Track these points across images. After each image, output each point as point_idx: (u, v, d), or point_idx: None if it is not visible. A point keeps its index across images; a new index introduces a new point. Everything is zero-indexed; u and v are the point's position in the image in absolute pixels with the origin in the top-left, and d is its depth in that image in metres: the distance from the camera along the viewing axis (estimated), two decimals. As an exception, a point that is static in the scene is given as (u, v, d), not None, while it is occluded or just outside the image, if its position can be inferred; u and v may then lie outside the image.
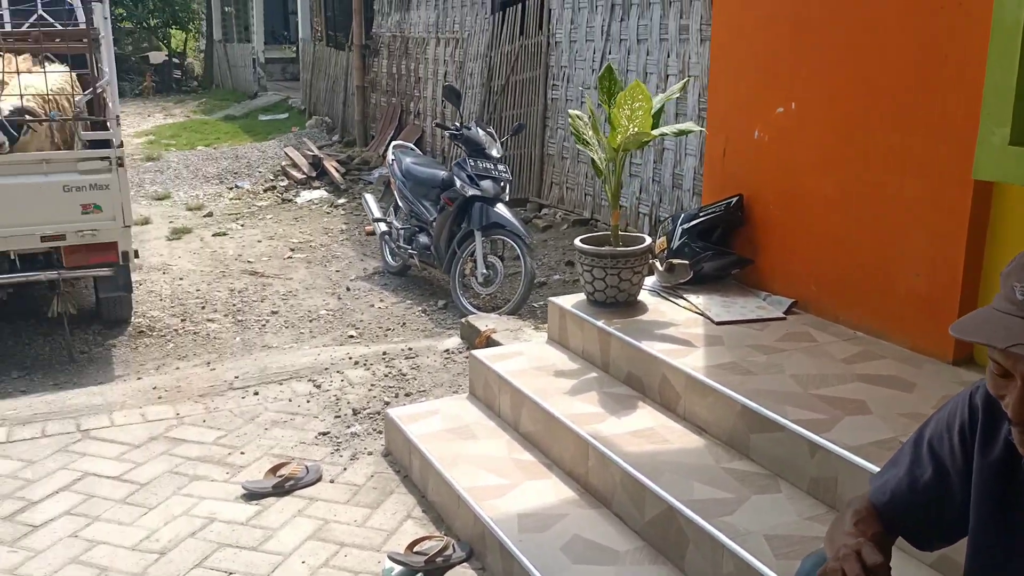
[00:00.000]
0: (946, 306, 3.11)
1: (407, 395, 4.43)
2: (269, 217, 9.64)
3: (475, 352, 4.06)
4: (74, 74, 5.83)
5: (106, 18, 5.38)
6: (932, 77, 3.11)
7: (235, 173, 11.80)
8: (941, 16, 3.07)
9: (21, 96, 5.17)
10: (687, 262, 3.97)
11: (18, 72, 5.46)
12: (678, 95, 4.06)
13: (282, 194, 10.60)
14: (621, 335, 3.56)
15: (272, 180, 11.25)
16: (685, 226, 4.05)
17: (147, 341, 5.88)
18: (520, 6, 8.81)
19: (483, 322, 5.14)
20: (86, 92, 5.60)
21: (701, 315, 3.73)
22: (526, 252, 6.06)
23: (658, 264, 4.09)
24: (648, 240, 3.96)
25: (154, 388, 4.56)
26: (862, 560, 1.40)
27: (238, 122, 16.57)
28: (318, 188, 10.72)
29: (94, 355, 5.64)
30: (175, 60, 24.22)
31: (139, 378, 5.09)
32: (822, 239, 3.65)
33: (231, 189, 10.97)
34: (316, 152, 11.80)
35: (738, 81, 4.04)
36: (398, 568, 2.93)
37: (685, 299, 3.90)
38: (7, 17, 6.02)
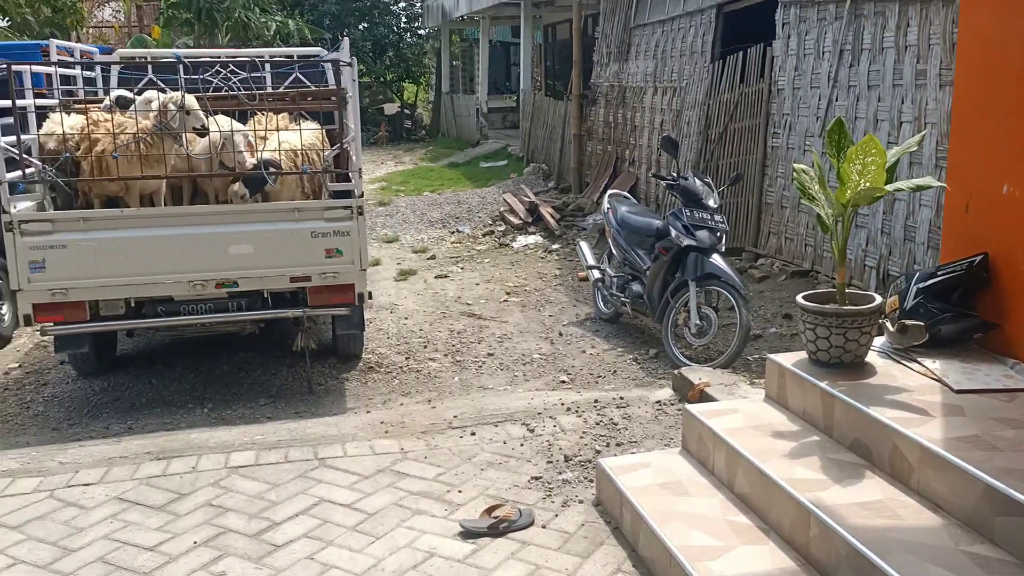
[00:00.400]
0: None
1: (618, 445, 4.44)
2: (487, 261, 10.04)
3: (688, 406, 4.01)
4: (324, 130, 6.41)
5: (354, 80, 5.89)
6: None
7: (457, 218, 12.41)
8: None
9: (263, 149, 5.73)
10: (922, 323, 3.73)
11: (277, 129, 6.09)
12: (915, 147, 3.85)
13: (500, 239, 11.02)
14: (847, 398, 3.40)
15: (491, 225, 11.72)
16: (921, 285, 3.81)
17: (375, 376, 6.28)
18: (741, 54, 8.72)
19: (696, 375, 5.07)
20: (334, 147, 6.15)
21: (938, 382, 3.49)
22: (741, 304, 5.93)
23: (888, 324, 3.87)
24: (878, 299, 3.76)
25: (381, 422, 4.87)
26: None
27: (461, 169, 17.45)
28: (534, 233, 11.05)
29: (329, 387, 6.11)
30: (406, 111, 25.98)
31: (368, 411, 5.46)
32: (1083, 304, 3.32)
33: (453, 233, 11.54)
34: (532, 198, 12.18)
35: (985, 129, 3.78)
36: (608, 621, 2.94)
37: (919, 363, 3.66)
38: (269, 79, 6.72)
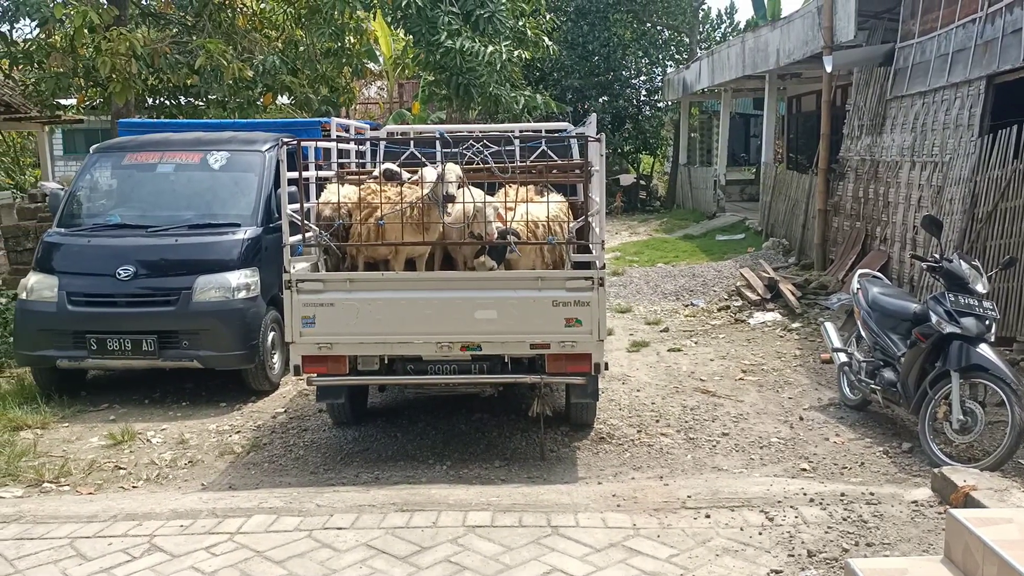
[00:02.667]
0: None
1: (868, 545, 4.13)
2: (722, 336, 9.80)
3: (953, 511, 3.66)
4: (568, 202, 6.62)
5: (601, 155, 6.05)
6: None
7: (691, 291, 12.26)
8: None
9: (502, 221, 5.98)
10: None
11: (526, 201, 6.36)
12: None
13: (735, 314, 10.73)
14: None
15: (726, 300, 11.46)
16: None
17: (606, 447, 6.28)
18: (1015, 128, 8.04)
19: (960, 476, 4.63)
20: (578, 220, 6.32)
21: None
22: (1014, 400, 5.37)
23: None
24: None
25: (613, 495, 4.85)
26: None
27: (696, 241, 17.27)
28: (772, 310, 10.67)
29: (561, 455, 6.18)
30: (642, 182, 26.24)
31: (599, 483, 5.46)
32: None
33: (687, 306, 11.40)
34: (771, 274, 11.79)
35: None
36: None
37: None
38: (518, 153, 7.05)
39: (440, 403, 7.18)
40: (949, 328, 5.71)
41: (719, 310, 11.02)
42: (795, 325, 9.97)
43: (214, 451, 6.39)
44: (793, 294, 10.86)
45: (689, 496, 4.79)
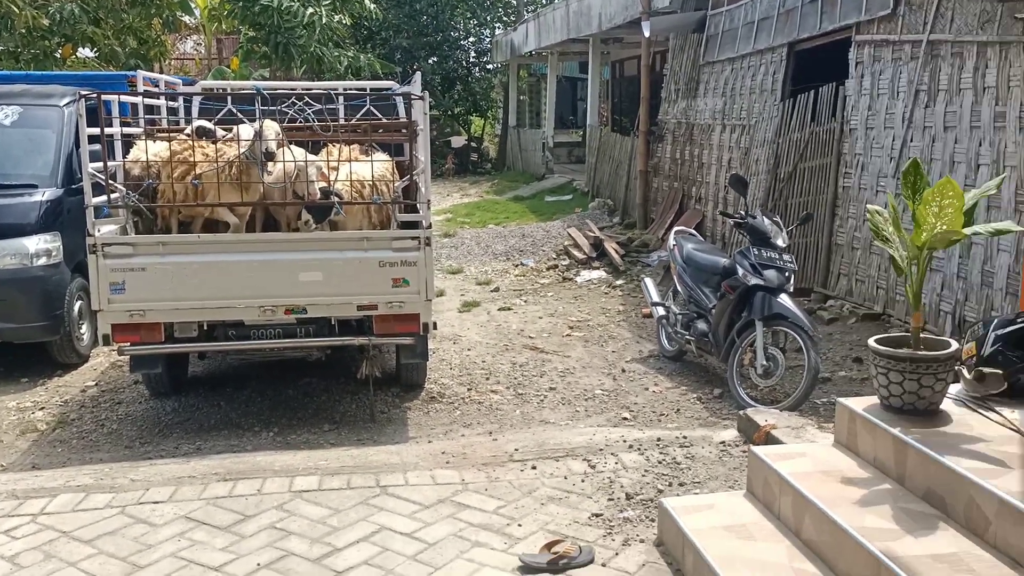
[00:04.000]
0: None
1: (681, 484, 4.38)
2: (550, 295, 10.05)
3: (755, 449, 3.95)
4: (394, 162, 6.54)
5: (425, 113, 6.00)
6: None
7: (521, 251, 12.48)
8: None
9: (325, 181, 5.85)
10: (1001, 372, 3.62)
11: (349, 160, 6.23)
12: (994, 191, 3.77)
13: (563, 273, 11.03)
14: (921, 447, 3.30)
15: (555, 259, 11.75)
16: (999, 332, 3.70)
17: (437, 407, 6.32)
18: (812, 93, 8.64)
19: (762, 416, 4.98)
20: (403, 179, 6.26)
21: (1017, 432, 3.37)
22: (810, 345, 5.82)
23: (965, 372, 3.77)
24: (954, 345, 3.66)
25: (443, 453, 4.89)
26: None
27: (526, 202, 17.56)
28: (598, 268, 11.04)
29: (392, 416, 6.16)
30: (473, 144, 26.32)
31: (429, 441, 5.49)
32: None
33: (517, 266, 11.59)
34: (597, 233, 12.19)
35: (1068, 176, 3.68)
36: (668, 665, 2.89)
37: (997, 412, 3.55)
38: (342, 112, 6.88)
39: (266, 369, 6.98)
40: (753, 280, 6.10)
41: (548, 269, 11.29)
42: (619, 282, 10.37)
43: (14, 430, 5.94)
44: (617, 252, 11.27)
45: (516, 449, 4.91)
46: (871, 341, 3.77)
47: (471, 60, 27.93)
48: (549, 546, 3.69)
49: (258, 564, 3.64)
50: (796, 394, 5.80)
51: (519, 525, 3.97)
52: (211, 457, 5.07)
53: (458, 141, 25.48)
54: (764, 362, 6.00)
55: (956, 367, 3.74)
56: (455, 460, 4.75)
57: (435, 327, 5.97)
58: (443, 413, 6.20)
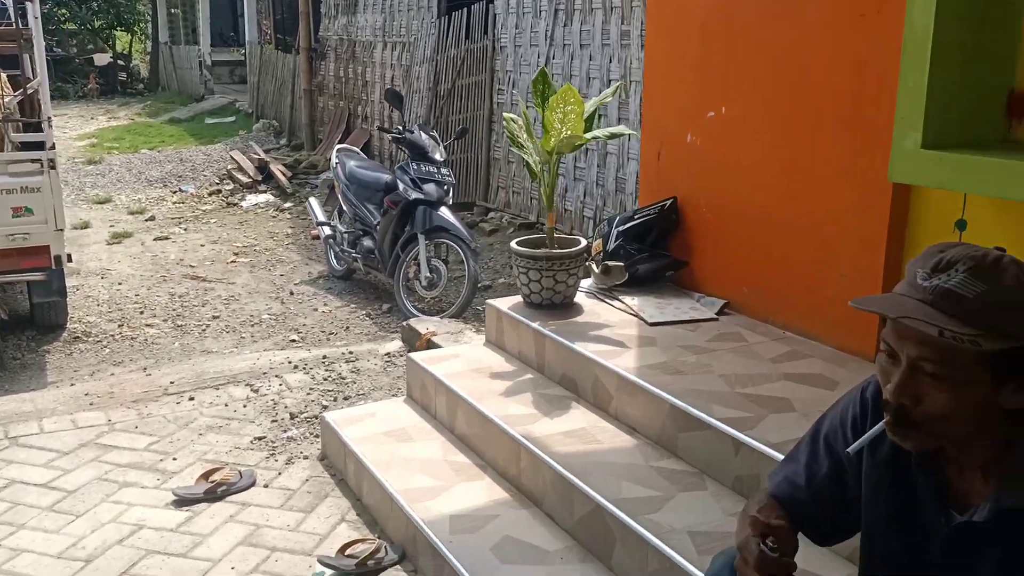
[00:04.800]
0: (868, 306, 3.18)
1: (346, 399, 4.41)
2: (213, 221, 9.51)
3: (412, 355, 4.05)
4: (4, 75, 5.70)
5: (36, 18, 5.26)
6: (855, 83, 3.19)
7: (179, 177, 11.64)
8: (863, 24, 3.16)
9: None
10: (622, 264, 4.01)
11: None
12: (610, 99, 4.11)
13: (227, 198, 10.47)
14: (556, 337, 3.59)
15: (217, 184, 11.11)
16: (620, 228, 4.09)
17: (82, 347, 5.76)
18: (466, 11, 8.83)
19: (424, 325, 5.13)
20: (17, 93, 5.48)
21: (635, 316, 3.78)
22: (470, 255, 6.07)
23: (594, 266, 4.13)
24: (583, 242, 4.00)
25: (87, 394, 4.47)
26: (763, 539, 1.44)
27: (184, 125, 16.35)
28: (264, 192, 10.62)
29: (27, 361, 5.51)
30: (120, 62, 23.80)
31: (72, 384, 4.99)
32: (753, 242, 3.72)
33: (175, 193, 10.81)
34: (263, 156, 11.68)
35: (672, 86, 4.10)
36: (329, 572, 2.92)
37: (620, 301, 3.94)
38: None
39: None
40: (414, 194, 6.20)
41: (210, 195, 10.65)
42: (287, 205, 10.06)
43: None
44: (284, 175, 10.90)
45: (172, 382, 4.63)
46: (512, 243, 4.00)
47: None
48: (206, 475, 3.54)
49: None
50: (458, 302, 6.04)
51: (174, 459, 3.77)
52: None
53: (102, 59, 22.87)
54: (428, 274, 6.17)
55: (587, 263, 4.09)
56: (100, 401, 4.37)
57: (70, 259, 5.41)
58: (89, 353, 5.66)
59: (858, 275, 3.26)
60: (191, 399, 4.39)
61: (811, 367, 3.21)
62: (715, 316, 3.75)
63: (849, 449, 1.38)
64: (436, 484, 3.20)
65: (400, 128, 6.58)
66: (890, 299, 1.34)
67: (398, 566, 3.00)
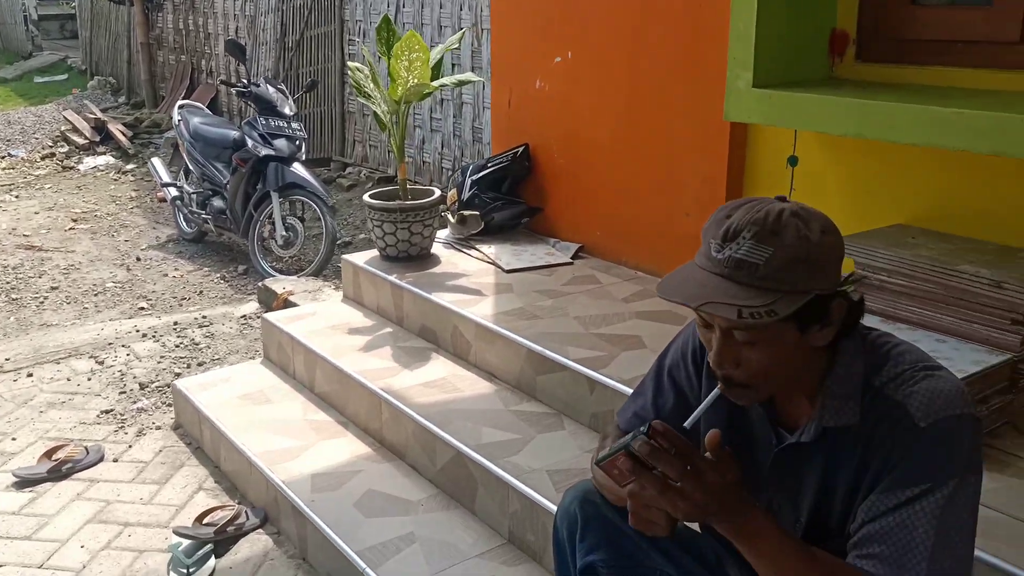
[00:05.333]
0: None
1: (200, 365, 4.25)
2: (48, 187, 8.89)
3: (267, 315, 3.94)
4: None
5: None
6: (692, 25, 3.27)
7: (8, 141, 10.78)
8: (697, -33, 3.22)
9: None
10: (478, 213, 4.01)
11: None
12: (457, 46, 4.06)
13: (62, 161, 9.80)
14: (413, 288, 3.56)
15: (51, 147, 10.36)
16: (474, 177, 4.08)
17: (-98, 328, 5.29)
18: (311, -43, 8.49)
19: (280, 284, 4.99)
20: None
21: (492, 264, 3.79)
22: (326, 212, 5.92)
23: (450, 216, 4.11)
24: (437, 192, 3.96)
25: (-91, 378, 4.13)
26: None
27: (10, 85, 15.12)
28: (103, 154, 9.99)
29: None
30: (-69, 16, 21.69)
31: None
32: (603, 185, 3.78)
33: (3, 158, 10.02)
34: (100, 115, 10.96)
35: (519, 32, 4.09)
36: (186, 542, 2.82)
37: (477, 250, 3.95)
38: None
39: None
40: (264, 151, 5.97)
41: (43, 159, 9.92)
42: (130, 167, 9.51)
43: None
44: (124, 135, 10.28)
45: (8, 359, 4.33)
46: (366, 196, 3.92)
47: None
48: (49, 453, 3.35)
49: None
50: (317, 260, 5.89)
51: (13, 439, 3.54)
52: None
53: (-90, 12, 20.79)
54: (284, 232, 5.98)
55: (442, 213, 4.06)
56: (-75, 384, 4.04)
57: None
58: (-89, 334, 5.21)
59: (702, 213, 3.37)
60: (29, 375, 4.13)
61: (660, 304, 3.32)
62: (570, 260, 3.81)
63: (686, 424, 1.41)
64: (296, 444, 3.14)
65: (245, 82, 6.30)
66: (688, 280, 1.35)
67: (260, 530, 2.94)
